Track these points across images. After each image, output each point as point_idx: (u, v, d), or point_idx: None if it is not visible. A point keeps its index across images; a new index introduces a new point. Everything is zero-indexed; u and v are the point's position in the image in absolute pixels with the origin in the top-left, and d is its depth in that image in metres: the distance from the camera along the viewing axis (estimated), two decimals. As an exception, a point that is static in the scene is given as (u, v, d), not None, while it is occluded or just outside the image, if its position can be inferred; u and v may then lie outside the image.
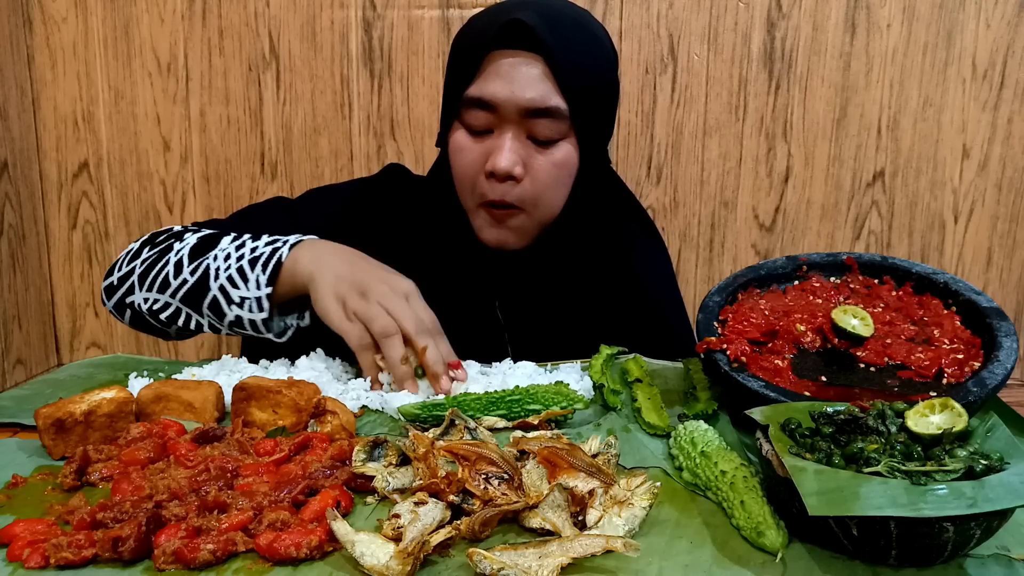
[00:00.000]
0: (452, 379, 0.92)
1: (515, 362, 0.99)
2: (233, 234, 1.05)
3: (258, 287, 0.98)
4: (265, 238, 1.02)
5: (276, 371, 0.95)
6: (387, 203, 1.17)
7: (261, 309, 0.98)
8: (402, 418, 0.85)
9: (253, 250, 1.00)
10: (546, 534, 0.63)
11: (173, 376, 0.95)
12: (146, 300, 1.03)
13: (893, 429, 0.67)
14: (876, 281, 0.95)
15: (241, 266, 0.99)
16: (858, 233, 1.92)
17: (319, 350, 1.00)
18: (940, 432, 0.65)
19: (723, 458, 0.70)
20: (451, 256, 1.12)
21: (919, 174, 1.88)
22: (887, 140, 1.87)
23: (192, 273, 1.01)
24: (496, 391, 0.86)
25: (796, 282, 0.97)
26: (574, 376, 0.95)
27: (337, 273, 0.96)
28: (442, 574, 0.59)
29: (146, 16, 1.88)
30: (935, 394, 0.77)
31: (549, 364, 1.00)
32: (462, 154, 1.06)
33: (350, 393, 0.91)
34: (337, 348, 1.00)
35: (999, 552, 0.63)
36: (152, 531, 0.62)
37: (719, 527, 0.66)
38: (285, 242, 1.01)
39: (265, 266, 0.98)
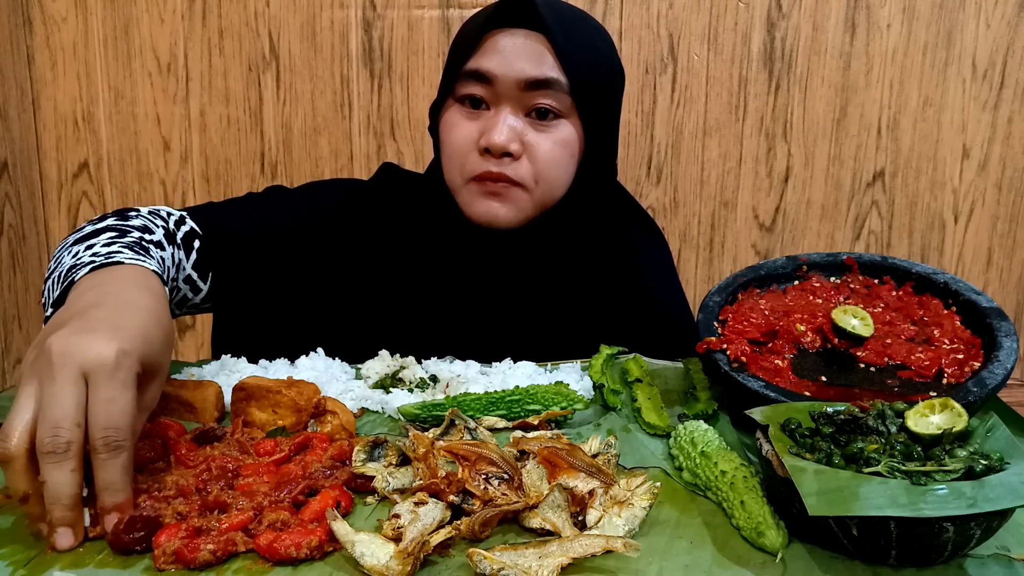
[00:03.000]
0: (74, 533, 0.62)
1: (515, 361, 0.99)
2: (110, 234, 0.88)
3: (47, 305, 0.81)
4: (98, 248, 0.83)
5: (276, 371, 0.95)
6: (383, 201, 1.16)
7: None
8: (402, 418, 0.85)
9: (72, 263, 0.81)
10: (546, 534, 0.63)
11: (173, 376, 0.95)
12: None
13: (893, 429, 0.67)
14: (876, 281, 0.95)
15: (59, 273, 0.82)
16: (858, 233, 1.92)
17: (319, 350, 1.00)
18: (940, 432, 0.65)
19: (723, 458, 0.70)
20: (444, 252, 1.11)
21: (919, 174, 1.89)
22: (887, 140, 1.87)
23: (54, 263, 0.87)
24: (496, 391, 0.86)
25: (796, 282, 0.97)
26: (574, 376, 0.95)
27: (55, 323, 0.69)
28: (442, 574, 0.59)
29: (146, 16, 1.88)
30: (935, 394, 0.77)
31: (549, 364, 1.00)
32: (455, 130, 1.02)
33: (350, 393, 0.91)
34: (337, 348, 1.00)
35: (999, 552, 0.63)
36: (152, 531, 0.62)
37: (719, 527, 0.66)
38: (86, 265, 0.79)
39: (59, 284, 0.80)
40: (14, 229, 1.91)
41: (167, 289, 0.85)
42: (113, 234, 0.88)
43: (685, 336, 1.12)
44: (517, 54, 0.98)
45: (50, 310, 0.80)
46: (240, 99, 1.91)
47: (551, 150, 1.01)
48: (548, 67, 0.99)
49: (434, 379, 0.94)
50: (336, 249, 1.12)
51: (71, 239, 0.90)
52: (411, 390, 0.93)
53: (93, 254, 0.81)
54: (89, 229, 0.90)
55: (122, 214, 0.96)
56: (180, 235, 1.02)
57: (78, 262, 0.80)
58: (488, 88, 1.00)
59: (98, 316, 0.67)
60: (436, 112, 1.08)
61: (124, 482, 0.62)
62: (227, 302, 1.08)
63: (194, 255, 1.03)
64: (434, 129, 1.08)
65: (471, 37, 1.02)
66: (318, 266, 1.11)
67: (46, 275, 0.88)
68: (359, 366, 0.99)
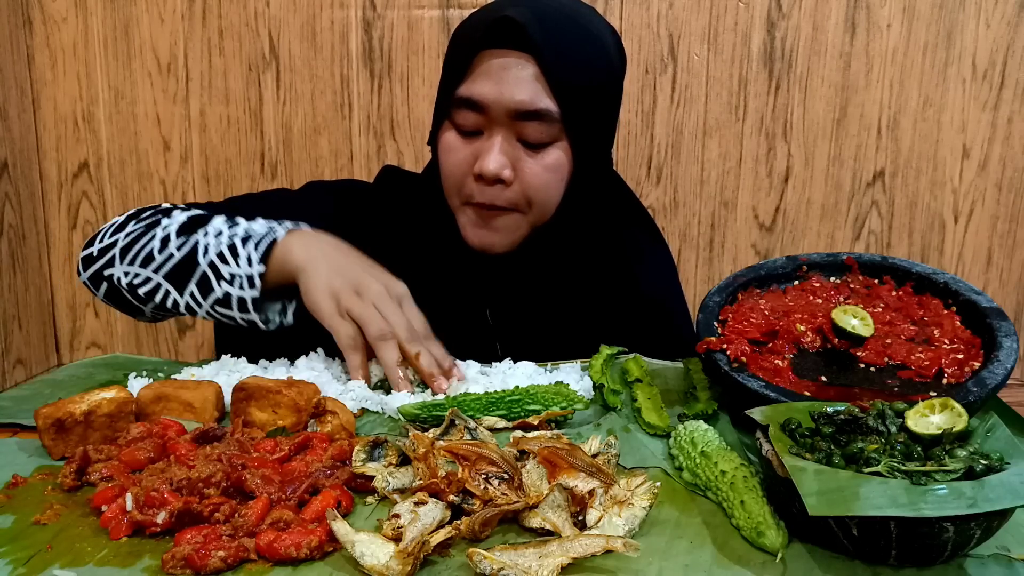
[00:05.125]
0: (448, 381, 0.92)
1: (515, 361, 0.99)
2: (225, 215, 1.03)
3: (250, 264, 0.95)
4: (261, 220, 1.01)
5: (276, 371, 0.95)
6: (381, 205, 1.16)
7: (252, 286, 0.95)
8: (402, 418, 0.85)
9: (247, 229, 0.99)
10: (546, 534, 0.63)
11: (173, 376, 0.95)
12: (126, 274, 1.01)
13: (893, 429, 0.67)
14: (876, 281, 0.95)
15: (233, 243, 0.97)
16: (858, 233, 1.92)
17: (319, 350, 1.00)
18: (940, 432, 0.65)
19: (723, 458, 0.70)
20: (441, 258, 1.11)
21: (919, 174, 1.88)
22: (887, 140, 1.87)
23: (179, 248, 0.99)
24: (496, 391, 0.86)
25: (796, 282, 0.97)
26: (574, 376, 0.95)
27: (331, 266, 0.95)
28: (442, 574, 0.59)
29: (146, 16, 1.88)
30: (935, 394, 0.77)
31: (549, 364, 1.00)
32: (451, 154, 1.03)
33: (350, 393, 0.91)
34: (337, 348, 1.00)
35: (999, 552, 0.63)
36: (183, 522, 0.63)
37: (719, 527, 0.66)
38: (282, 224, 1.00)
39: (258, 244, 0.96)
40: (14, 229, 1.91)
41: None
42: (224, 217, 1.02)
43: (684, 341, 1.12)
44: (508, 81, 0.98)
45: (260, 266, 0.95)
46: (240, 99, 1.91)
47: (541, 175, 1.02)
48: (538, 96, 0.98)
49: None
50: None
51: (171, 230, 1.00)
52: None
53: (262, 225, 1.00)
54: (183, 218, 1.02)
55: (165, 211, 1.06)
56: None
57: (252, 232, 0.98)
58: (480, 115, 1.00)
59: (368, 262, 0.99)
60: (435, 131, 1.07)
61: (443, 353, 0.95)
62: None
63: None
64: (433, 142, 1.08)
65: (463, 57, 1.01)
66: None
67: (151, 268, 0.99)
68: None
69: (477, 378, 0.94)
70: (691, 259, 1.95)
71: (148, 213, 1.06)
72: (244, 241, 0.97)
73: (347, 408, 0.83)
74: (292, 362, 0.99)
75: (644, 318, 1.13)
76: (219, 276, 0.96)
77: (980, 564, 0.61)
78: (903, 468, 0.61)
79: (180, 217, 1.02)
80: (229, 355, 1.00)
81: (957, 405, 0.66)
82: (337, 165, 1.93)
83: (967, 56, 1.82)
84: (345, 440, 0.77)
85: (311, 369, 0.96)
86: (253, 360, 0.99)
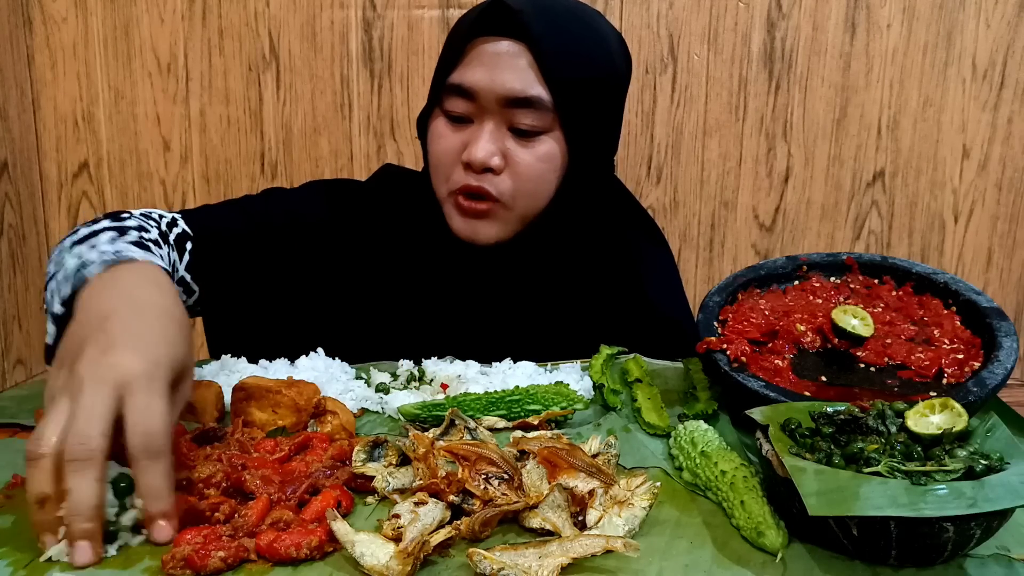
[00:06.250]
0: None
1: (514, 361, 0.99)
2: (110, 233, 0.86)
3: (55, 303, 0.80)
4: (103, 246, 0.82)
5: (276, 371, 0.95)
6: (381, 203, 1.15)
7: (48, 333, 0.81)
8: (402, 418, 0.85)
9: (78, 264, 0.80)
10: (546, 534, 0.63)
11: (173, 376, 0.95)
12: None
13: (893, 429, 0.67)
14: (876, 281, 0.95)
15: (65, 274, 0.81)
16: (858, 233, 1.92)
17: (319, 350, 1.00)
18: (940, 432, 0.65)
19: (723, 458, 0.70)
20: (437, 253, 1.10)
21: (919, 174, 1.88)
22: (887, 140, 1.87)
23: (56, 270, 0.84)
24: (496, 391, 0.86)
25: (796, 282, 0.97)
26: (574, 376, 0.95)
27: (72, 332, 0.70)
28: (442, 574, 0.59)
29: (146, 16, 1.88)
30: (935, 394, 0.77)
31: (549, 364, 1.00)
32: (440, 141, 1.02)
33: (350, 393, 0.91)
34: (337, 348, 1.00)
35: (999, 552, 0.63)
36: (183, 523, 0.63)
37: (719, 527, 0.66)
38: (94, 262, 0.78)
39: (68, 282, 0.80)
40: (14, 229, 1.91)
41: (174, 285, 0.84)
42: (113, 233, 0.87)
43: (687, 344, 1.12)
44: (500, 67, 0.96)
45: (59, 307, 0.80)
46: (240, 99, 1.91)
47: (532, 165, 1.00)
48: (530, 83, 0.96)
49: (422, 373, 0.95)
50: (334, 250, 1.11)
51: (68, 242, 0.88)
52: (404, 386, 0.93)
53: (100, 252, 0.81)
54: (85, 231, 0.88)
55: (115, 216, 0.94)
56: (172, 236, 0.99)
57: (85, 261, 0.79)
58: (471, 103, 0.99)
59: (119, 329, 0.66)
60: (425, 119, 1.07)
61: (167, 488, 0.62)
62: (220, 304, 1.07)
63: (187, 256, 1.00)
64: (423, 135, 1.07)
65: (456, 45, 1.00)
66: (315, 266, 1.11)
67: (46, 278, 0.87)
68: (359, 366, 0.99)
69: (477, 378, 0.94)
70: (691, 259, 1.95)
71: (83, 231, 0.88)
72: (68, 276, 0.80)
73: (347, 408, 0.83)
74: (292, 362, 0.98)
75: (646, 321, 1.12)
76: (48, 313, 0.82)
77: (980, 564, 0.61)
78: (903, 468, 0.61)
79: (82, 232, 0.86)
80: (229, 355, 1.00)
81: (957, 405, 0.66)
82: (337, 165, 1.93)
83: (967, 56, 1.83)
84: (345, 440, 0.77)
85: (311, 369, 0.96)
86: (253, 360, 0.99)
